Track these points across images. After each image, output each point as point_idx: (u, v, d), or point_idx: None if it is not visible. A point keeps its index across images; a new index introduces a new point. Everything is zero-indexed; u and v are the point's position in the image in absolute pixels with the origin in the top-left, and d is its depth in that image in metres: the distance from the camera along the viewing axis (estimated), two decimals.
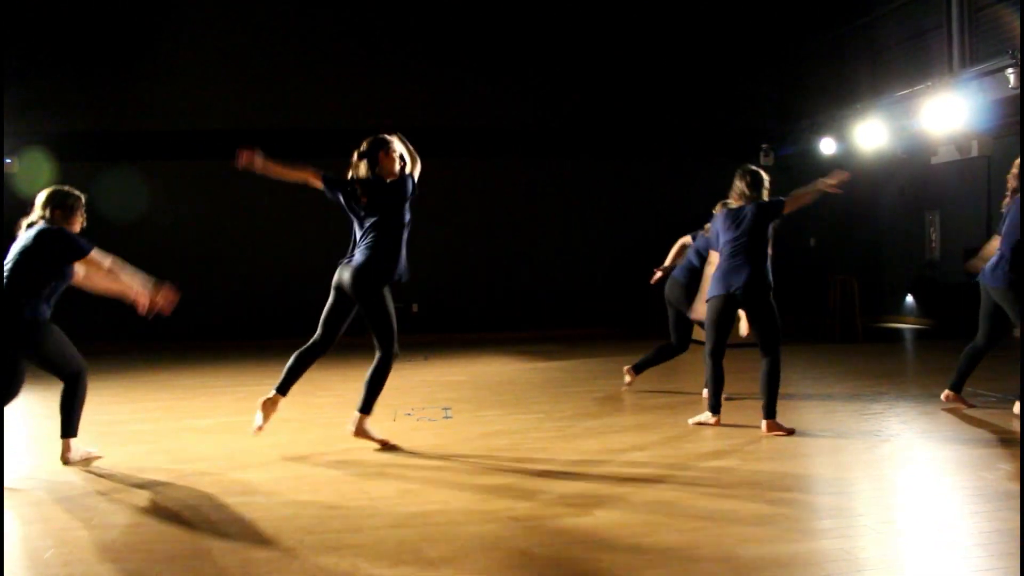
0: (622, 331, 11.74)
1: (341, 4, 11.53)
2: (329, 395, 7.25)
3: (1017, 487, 3.94)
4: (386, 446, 5.10)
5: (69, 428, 4.83)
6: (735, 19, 12.16)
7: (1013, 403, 5.89)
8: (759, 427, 5.38)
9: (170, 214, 11.07)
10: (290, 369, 5.11)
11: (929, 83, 9.00)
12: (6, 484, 4.51)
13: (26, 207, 4.89)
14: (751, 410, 5.87)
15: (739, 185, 5.53)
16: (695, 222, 6.93)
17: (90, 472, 4.71)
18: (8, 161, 10.37)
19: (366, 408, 5.07)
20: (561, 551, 3.35)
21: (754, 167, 5.62)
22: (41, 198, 4.85)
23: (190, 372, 8.81)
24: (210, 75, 11.21)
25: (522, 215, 11.92)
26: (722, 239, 5.48)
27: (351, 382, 7.84)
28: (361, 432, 5.10)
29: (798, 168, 12.11)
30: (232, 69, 11.27)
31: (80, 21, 10.96)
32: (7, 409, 4.54)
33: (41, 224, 4.76)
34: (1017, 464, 4.38)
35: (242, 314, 11.41)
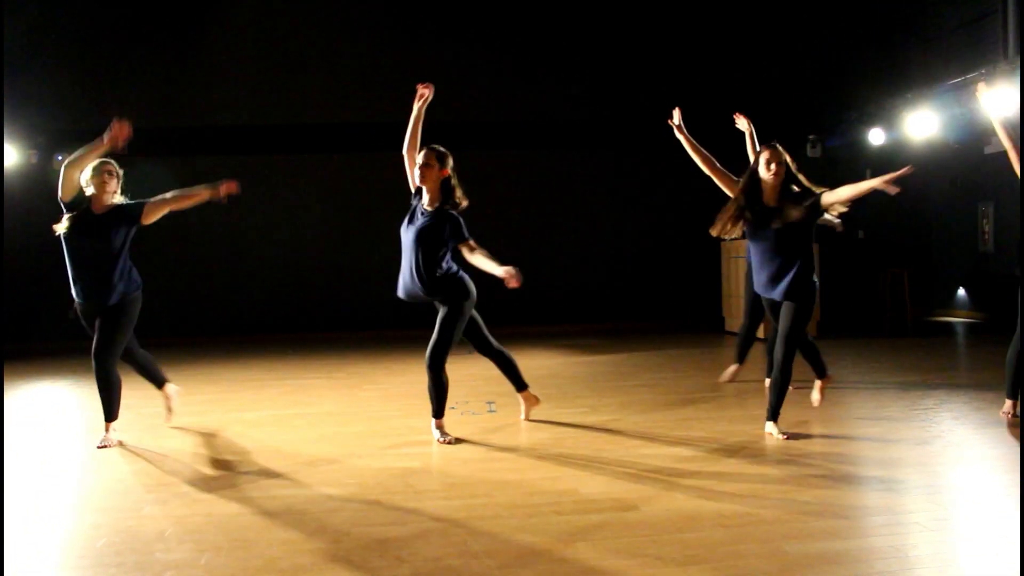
0: (664, 325, 11.64)
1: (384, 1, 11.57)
2: (374, 388, 7.31)
3: None
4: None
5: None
6: (780, 4, 11.94)
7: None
8: (808, 422, 5.32)
9: (216, 207, 11.20)
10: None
11: (983, 70, 8.77)
12: (58, 476, 4.63)
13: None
14: (799, 405, 5.79)
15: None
16: None
17: (140, 464, 4.80)
18: (59, 158, 10.61)
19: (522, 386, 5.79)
20: (606, 544, 3.34)
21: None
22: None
23: (236, 365, 8.90)
24: (256, 71, 11.32)
25: (562, 207, 11.86)
26: None
27: (396, 376, 7.92)
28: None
29: (846, 160, 11.90)
30: (276, 65, 11.37)
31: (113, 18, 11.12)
32: (66, 400, 4.65)
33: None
34: None
35: (288, 307, 11.51)
